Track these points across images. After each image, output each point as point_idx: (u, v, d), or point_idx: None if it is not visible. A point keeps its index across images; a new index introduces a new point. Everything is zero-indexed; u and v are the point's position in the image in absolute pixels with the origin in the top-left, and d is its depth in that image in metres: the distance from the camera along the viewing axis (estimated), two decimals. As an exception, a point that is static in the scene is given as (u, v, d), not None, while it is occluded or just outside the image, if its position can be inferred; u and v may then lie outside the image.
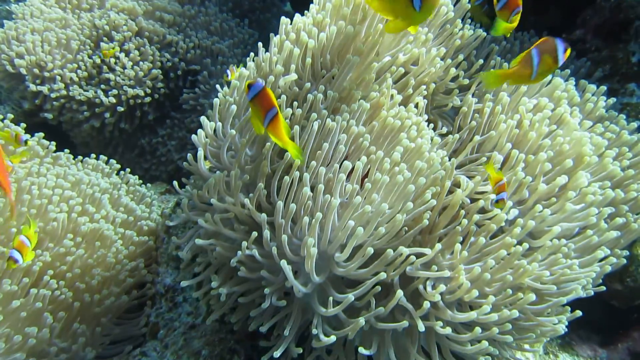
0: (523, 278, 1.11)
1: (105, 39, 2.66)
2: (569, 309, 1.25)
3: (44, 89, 2.55)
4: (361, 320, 1.06)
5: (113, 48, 2.51)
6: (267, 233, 1.13)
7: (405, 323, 1.07)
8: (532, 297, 1.10)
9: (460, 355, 1.19)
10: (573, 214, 1.23)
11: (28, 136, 1.88)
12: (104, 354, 1.74)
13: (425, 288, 1.11)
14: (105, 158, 2.27)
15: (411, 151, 1.15)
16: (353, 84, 1.24)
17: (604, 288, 1.33)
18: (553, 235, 1.18)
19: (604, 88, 1.63)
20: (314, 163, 1.13)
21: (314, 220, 1.07)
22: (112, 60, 2.62)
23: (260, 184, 1.17)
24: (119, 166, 2.28)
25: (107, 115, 2.66)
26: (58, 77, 2.58)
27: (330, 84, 1.28)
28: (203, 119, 1.45)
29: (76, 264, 1.72)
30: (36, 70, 2.54)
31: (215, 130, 1.43)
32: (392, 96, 1.25)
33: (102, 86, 2.62)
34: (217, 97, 1.52)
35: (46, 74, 2.57)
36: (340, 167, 1.11)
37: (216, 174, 1.30)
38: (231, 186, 1.25)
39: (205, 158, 1.43)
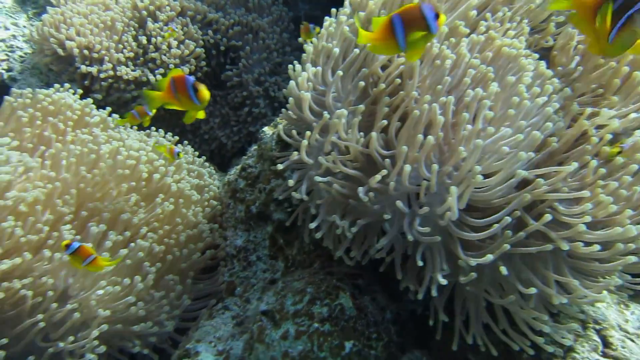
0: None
1: (150, 19, 2.82)
2: None
3: (94, 69, 2.71)
4: (506, 245, 1.17)
5: (174, 30, 2.67)
6: (388, 166, 1.28)
7: (549, 246, 1.16)
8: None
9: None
10: None
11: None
12: (190, 307, 1.90)
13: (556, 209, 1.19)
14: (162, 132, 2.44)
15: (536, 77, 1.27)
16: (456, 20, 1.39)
17: None
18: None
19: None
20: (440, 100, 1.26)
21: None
22: (159, 39, 2.78)
23: (384, 121, 1.32)
24: (177, 138, 2.44)
25: (154, 93, 2.82)
26: (106, 58, 2.74)
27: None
28: (299, 66, 1.57)
29: (165, 221, 1.88)
30: (85, 52, 2.70)
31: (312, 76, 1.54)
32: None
33: (150, 64, 2.79)
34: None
35: (94, 55, 2.73)
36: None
37: (336, 112, 1.40)
38: (338, 126, 1.38)
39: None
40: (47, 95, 2.10)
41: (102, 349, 1.59)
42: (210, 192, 2.22)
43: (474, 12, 1.42)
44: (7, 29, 3.04)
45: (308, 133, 1.47)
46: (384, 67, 1.46)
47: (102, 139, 1.99)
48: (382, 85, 1.40)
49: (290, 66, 1.64)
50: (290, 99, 1.52)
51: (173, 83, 1.32)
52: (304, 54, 1.67)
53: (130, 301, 1.64)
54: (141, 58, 2.82)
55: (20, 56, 2.99)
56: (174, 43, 2.81)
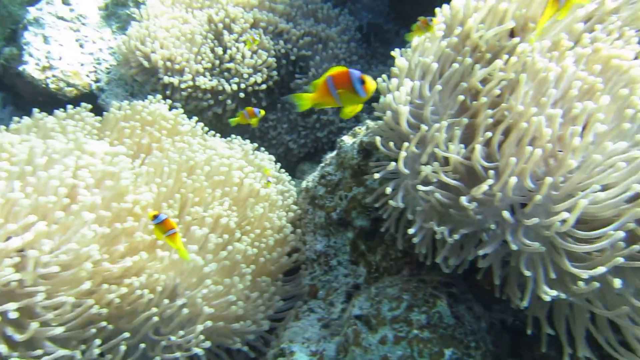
0: None
1: (225, 31, 2.99)
2: None
3: (175, 80, 2.90)
4: (619, 258, 1.20)
5: (255, 39, 2.83)
6: (491, 179, 1.34)
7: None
8: None
9: None
10: None
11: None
12: (279, 308, 2.02)
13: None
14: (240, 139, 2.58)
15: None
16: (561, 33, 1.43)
17: None
18: None
19: None
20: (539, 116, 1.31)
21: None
22: (234, 50, 2.95)
23: (489, 133, 1.38)
24: (256, 145, 2.58)
25: (229, 102, 2.99)
26: (186, 69, 2.93)
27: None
28: (396, 80, 1.65)
29: (256, 225, 2.01)
30: (168, 64, 2.90)
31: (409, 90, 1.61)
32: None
33: (225, 74, 2.95)
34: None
35: (176, 67, 2.92)
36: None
37: (434, 125, 1.47)
38: (438, 139, 1.46)
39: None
40: (144, 106, 2.29)
41: (207, 343, 1.73)
42: (291, 197, 2.34)
43: (580, 25, 1.45)
44: (94, 42, 3.30)
45: (405, 144, 1.55)
46: (482, 82, 1.52)
47: (196, 147, 2.14)
48: (484, 99, 1.45)
49: (379, 80, 1.72)
50: (388, 112, 1.60)
51: (331, 80, 1.39)
52: (394, 68, 1.75)
53: (230, 300, 1.77)
54: (217, 68, 2.99)
55: (106, 68, 3.25)
56: (248, 53, 2.97)
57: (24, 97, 3.86)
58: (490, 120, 1.44)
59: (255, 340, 1.92)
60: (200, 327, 1.72)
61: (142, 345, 1.69)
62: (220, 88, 2.95)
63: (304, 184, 2.59)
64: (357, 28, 3.32)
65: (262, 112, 2.16)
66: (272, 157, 2.60)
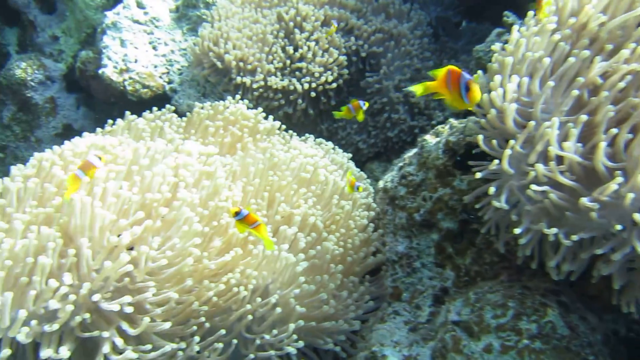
0: None
1: (297, 30, 3.01)
2: None
3: (247, 80, 2.95)
4: None
5: (335, 26, 2.82)
6: (619, 179, 1.26)
7: None
8: None
9: None
10: None
11: None
12: (369, 308, 2.00)
13: None
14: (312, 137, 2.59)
15: None
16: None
17: None
18: None
19: None
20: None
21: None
22: (305, 49, 2.96)
23: (614, 129, 1.30)
24: (332, 144, 2.58)
25: (300, 101, 3.01)
26: (258, 69, 2.97)
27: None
28: (499, 77, 1.58)
29: (341, 223, 2.01)
30: (241, 64, 2.95)
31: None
32: None
33: (297, 73, 2.98)
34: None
35: (248, 67, 2.97)
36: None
37: (544, 123, 1.41)
38: (550, 136, 1.39)
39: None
40: (226, 106, 2.34)
41: (301, 343, 1.74)
42: (370, 196, 2.32)
43: None
44: (166, 44, 3.42)
45: (512, 142, 1.49)
46: (601, 76, 1.43)
47: (279, 146, 2.17)
48: (605, 94, 1.37)
49: (476, 76, 1.67)
50: (492, 111, 1.55)
51: (449, 75, 1.39)
52: (492, 64, 1.70)
53: (322, 299, 1.77)
54: (288, 68, 3.02)
55: (178, 69, 3.36)
56: (319, 52, 2.97)
57: (95, 98, 4.07)
58: (612, 116, 1.36)
59: (343, 341, 1.91)
60: (292, 326, 1.73)
61: (235, 341, 1.72)
62: (292, 87, 2.97)
63: (381, 183, 2.57)
64: (427, 23, 3.25)
65: (367, 104, 2.16)
66: (349, 155, 2.59)
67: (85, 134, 2.02)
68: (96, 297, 1.50)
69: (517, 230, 1.45)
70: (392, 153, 3.16)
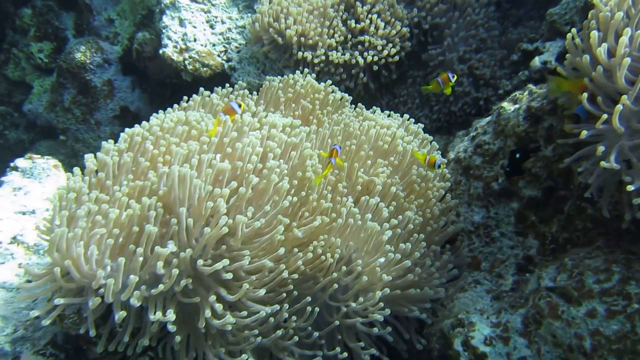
0: None
1: (358, 3, 2.98)
2: None
3: (309, 55, 2.96)
4: None
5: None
6: None
7: None
8: None
9: None
10: None
11: None
12: (452, 275, 2.01)
13: None
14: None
15: None
16: None
17: None
18: None
19: None
20: None
21: None
22: (367, 22, 2.93)
23: None
24: (406, 115, 2.54)
25: (361, 75, 3.00)
26: (319, 44, 2.97)
27: None
28: (595, 32, 1.52)
29: (420, 193, 2.01)
30: (302, 39, 2.95)
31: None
32: None
33: (359, 47, 2.95)
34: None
35: (309, 42, 2.97)
36: None
37: None
38: None
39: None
40: (295, 80, 2.36)
41: (387, 311, 1.77)
42: (442, 161, 2.30)
43: None
44: (223, 22, 3.46)
45: (624, 97, 1.44)
46: None
47: (352, 117, 2.18)
48: None
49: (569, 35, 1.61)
50: (599, 68, 1.50)
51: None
52: (590, 21, 1.63)
53: (407, 266, 1.79)
54: (349, 42, 3.00)
55: (236, 47, 3.39)
56: (381, 24, 2.93)
57: (149, 80, 4.18)
58: None
59: (427, 309, 1.93)
60: (379, 294, 1.76)
61: (317, 309, 1.77)
62: (353, 61, 2.96)
63: (452, 154, 2.54)
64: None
65: (455, 77, 2.13)
66: (422, 125, 2.57)
67: (168, 109, 2.08)
68: (200, 262, 1.57)
69: (630, 187, 1.40)
70: (453, 127, 3.11)
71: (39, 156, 2.93)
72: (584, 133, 1.50)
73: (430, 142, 2.35)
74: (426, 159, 1.98)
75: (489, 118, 2.37)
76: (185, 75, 3.41)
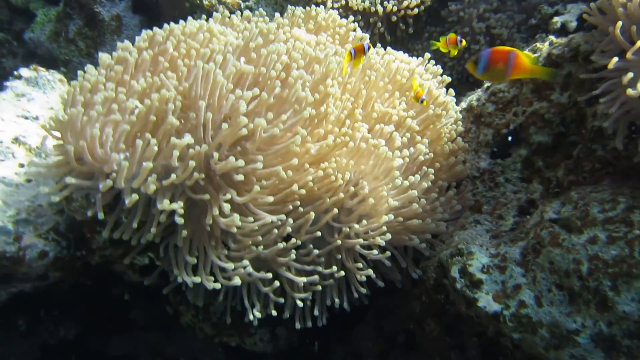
0: None
1: (383, -50, 2.97)
2: None
3: (329, 0, 2.95)
4: None
5: None
6: None
7: None
8: None
9: None
10: None
11: None
12: (456, 211, 2.06)
13: None
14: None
15: None
16: None
17: None
18: None
19: None
20: None
21: None
22: (390, -30, 2.93)
23: None
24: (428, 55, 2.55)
25: (379, 24, 3.01)
26: (340, -12, 2.97)
27: None
28: None
29: (433, 131, 2.05)
30: (322, -18, 2.95)
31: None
32: None
33: (379, -4, 2.96)
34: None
35: (329, -15, 2.97)
36: None
37: None
38: None
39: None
40: (318, 11, 2.37)
41: (389, 236, 1.81)
42: (455, 110, 2.34)
43: None
44: (243, -39, 3.42)
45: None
46: None
47: (374, 53, 2.19)
48: None
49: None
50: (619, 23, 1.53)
51: None
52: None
53: (413, 195, 1.83)
54: (370, -10, 3.00)
55: (254, -14, 3.37)
56: (404, -27, 2.94)
57: (159, 20, 4.13)
58: None
59: (427, 240, 1.98)
60: (385, 218, 1.80)
61: (319, 234, 1.80)
62: (372, 9, 2.96)
63: (463, 104, 2.59)
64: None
65: (464, 43, 2.18)
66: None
67: (189, 18, 2.07)
68: (215, 155, 1.59)
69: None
70: (464, 86, 3.14)
71: (43, 68, 2.90)
72: (615, 60, 1.54)
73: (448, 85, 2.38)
74: (416, 92, 2.00)
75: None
76: (200, 13, 3.38)
